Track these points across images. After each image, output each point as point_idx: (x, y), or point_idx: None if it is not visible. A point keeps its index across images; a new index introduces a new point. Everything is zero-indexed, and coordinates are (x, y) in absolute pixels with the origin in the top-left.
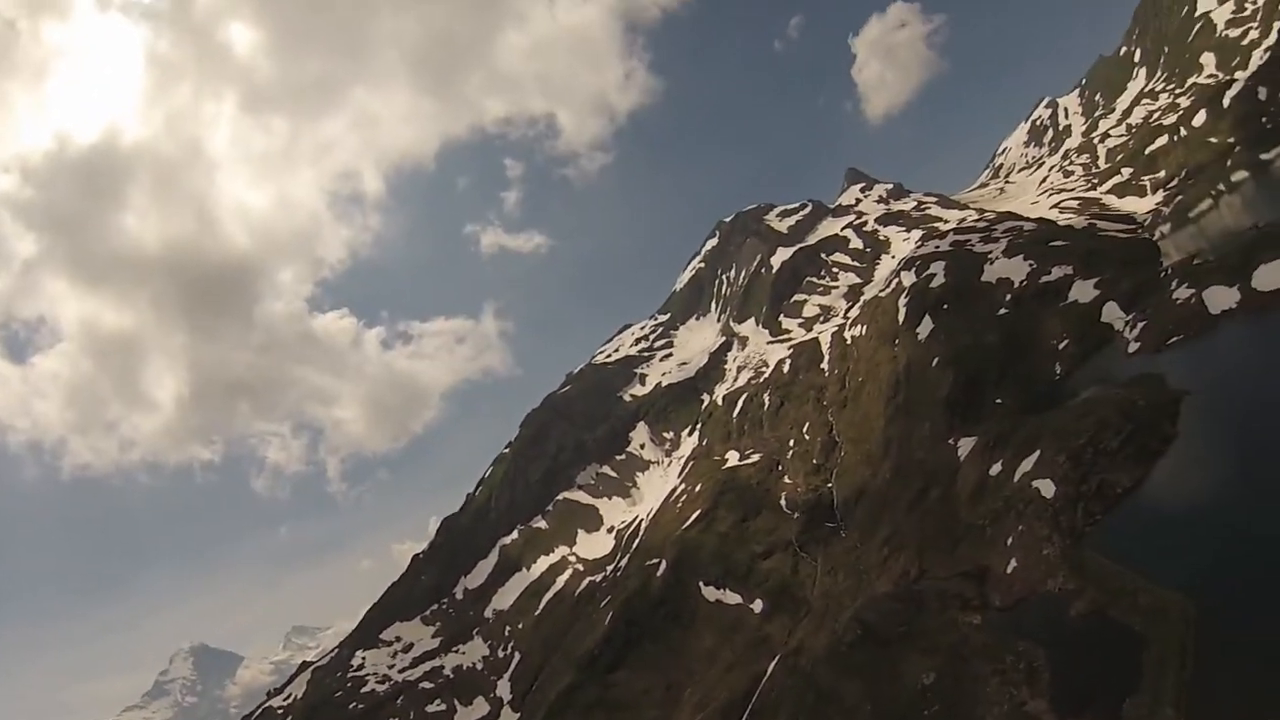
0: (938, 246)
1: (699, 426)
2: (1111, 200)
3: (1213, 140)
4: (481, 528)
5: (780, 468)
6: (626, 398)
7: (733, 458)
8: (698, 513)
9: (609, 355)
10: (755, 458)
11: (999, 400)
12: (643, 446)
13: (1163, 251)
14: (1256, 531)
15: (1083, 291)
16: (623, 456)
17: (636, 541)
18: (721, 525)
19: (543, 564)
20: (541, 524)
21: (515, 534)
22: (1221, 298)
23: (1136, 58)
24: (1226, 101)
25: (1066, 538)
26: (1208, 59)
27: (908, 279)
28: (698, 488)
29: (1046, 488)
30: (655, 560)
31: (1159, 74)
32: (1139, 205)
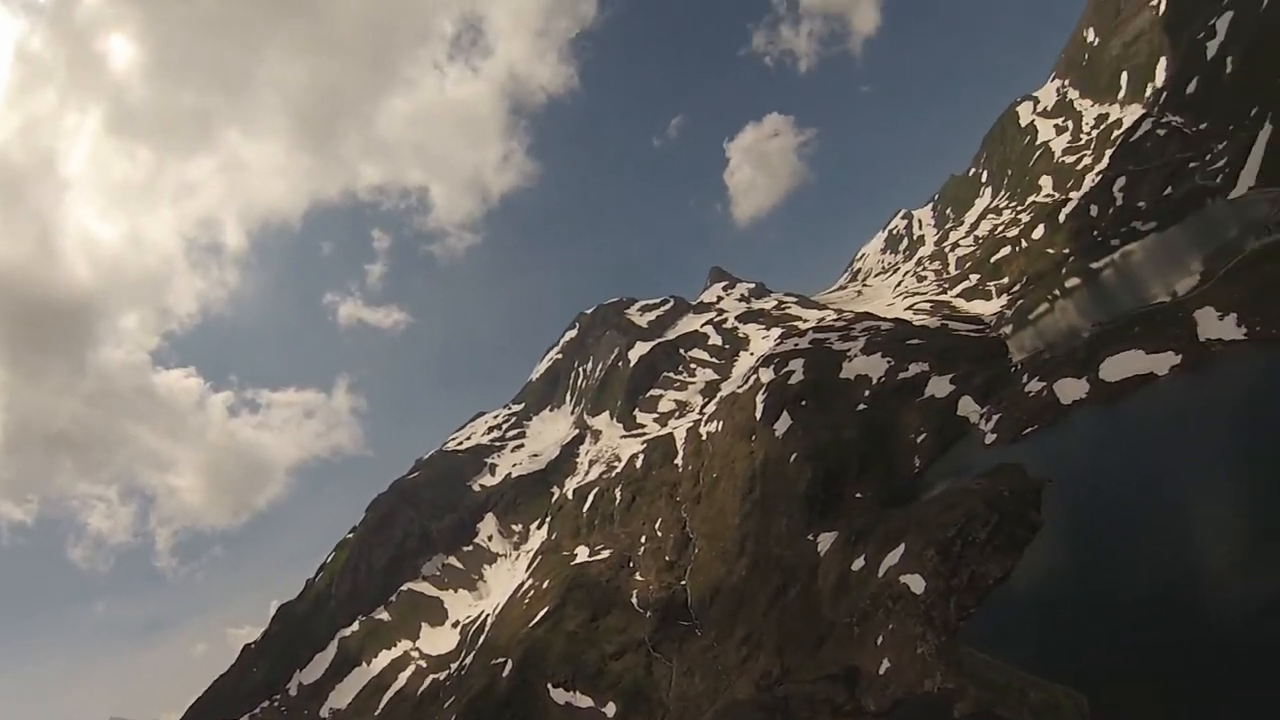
0: (797, 344)
1: (549, 520)
2: (961, 303)
3: (1050, 251)
4: (320, 617)
5: (632, 564)
6: (476, 487)
7: (582, 553)
8: (546, 610)
9: (460, 442)
10: (606, 554)
11: (859, 494)
12: (491, 538)
13: (1009, 349)
14: (1131, 612)
15: (939, 386)
16: (470, 548)
17: (482, 638)
18: (570, 623)
19: (384, 659)
20: (384, 615)
21: (356, 625)
22: (1072, 389)
23: (984, 178)
24: (1062, 218)
25: (941, 634)
26: (1046, 181)
27: (766, 375)
28: (546, 583)
29: (916, 583)
30: (501, 659)
31: (1003, 192)
32: (986, 308)
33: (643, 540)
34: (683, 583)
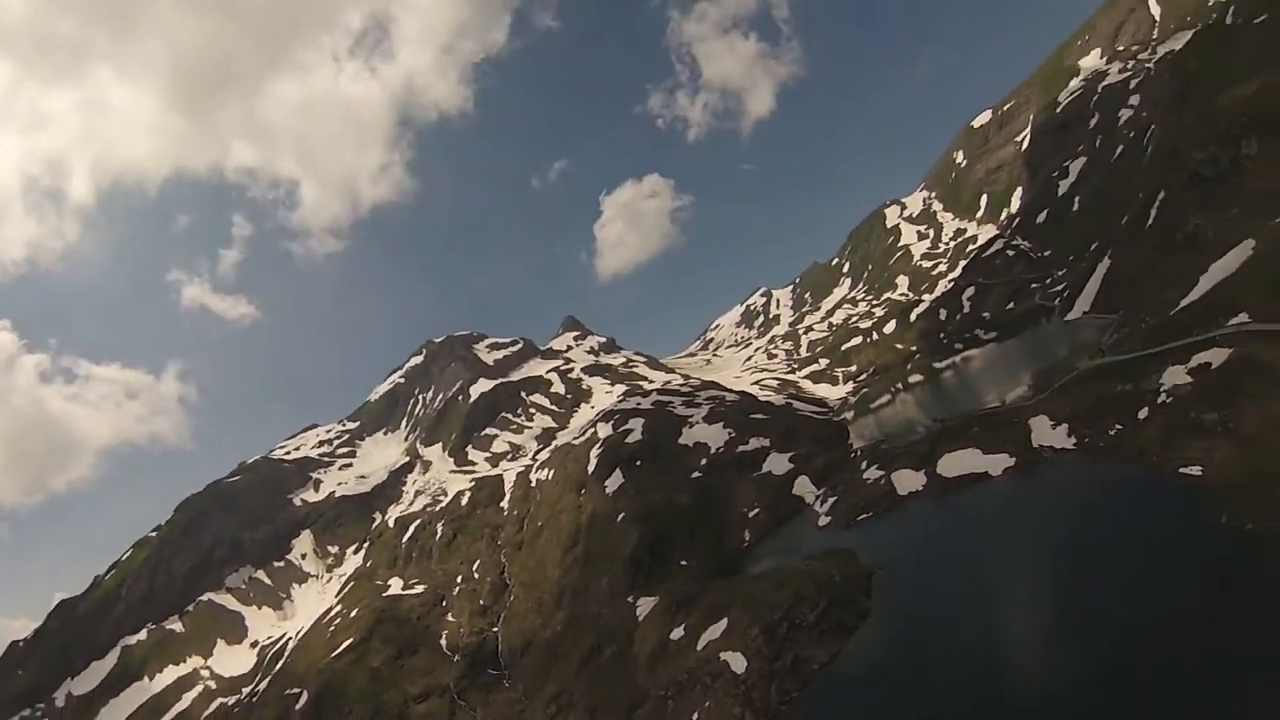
0: (639, 404)
1: (366, 546)
2: (808, 385)
3: (898, 346)
4: (104, 619)
5: (445, 603)
6: (297, 501)
7: (396, 585)
8: (351, 640)
9: (289, 452)
10: (420, 589)
11: (685, 562)
12: (305, 556)
13: (850, 435)
14: (949, 705)
15: (778, 463)
16: (281, 564)
17: (281, 663)
18: (375, 659)
19: (170, 675)
20: (177, 626)
21: (144, 634)
22: (909, 480)
23: (846, 269)
24: (913, 317)
25: (760, 717)
26: (903, 280)
27: (604, 430)
28: (354, 612)
29: (737, 661)
30: (297, 690)
31: (862, 285)
32: (831, 392)
33: (459, 580)
34: (495, 629)
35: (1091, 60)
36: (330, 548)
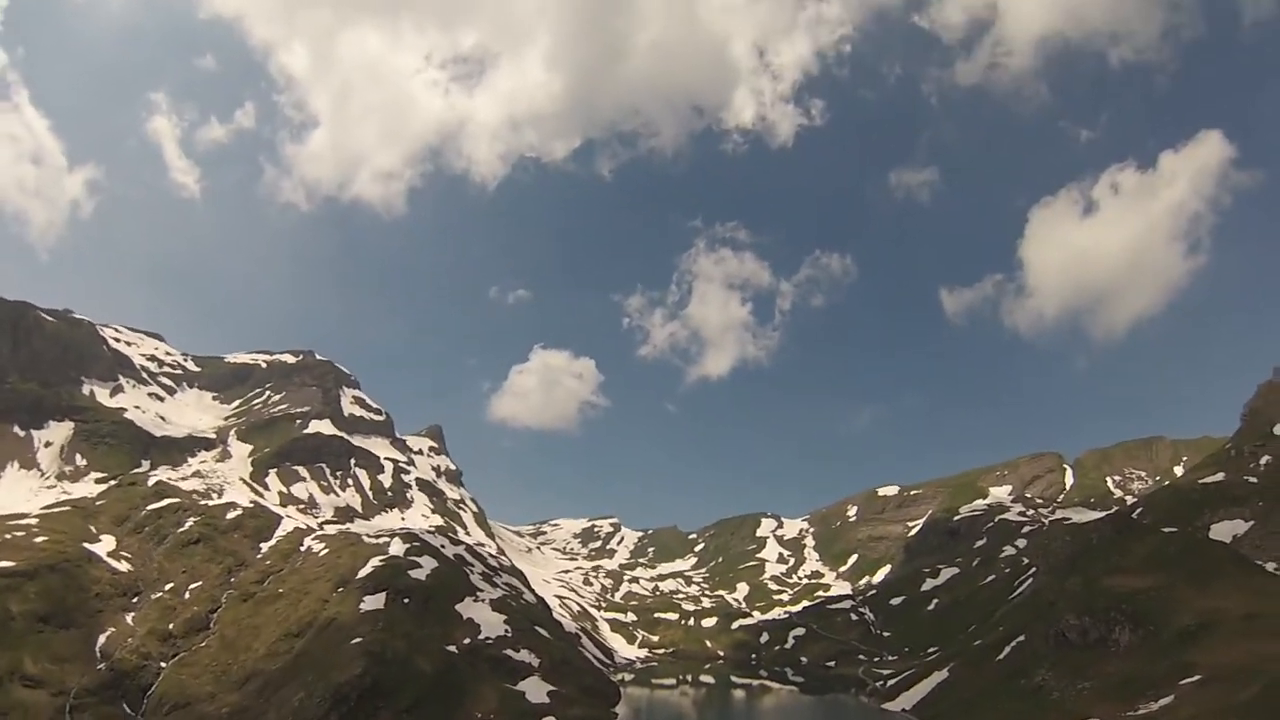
0: (443, 545)
1: (112, 484)
2: (605, 629)
3: (707, 643)
4: None
5: (136, 600)
6: (85, 388)
7: (105, 544)
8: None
9: (116, 338)
10: (124, 566)
11: None
12: (47, 444)
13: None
14: None
15: (535, 690)
16: (21, 433)
17: None
18: (17, 604)
19: None
20: None
21: None
22: None
23: (698, 548)
24: (735, 625)
25: None
26: (743, 588)
27: (397, 548)
28: (41, 539)
29: None
30: None
31: (705, 569)
32: (624, 648)
33: (168, 587)
34: (164, 665)
35: (1000, 492)
36: (79, 458)
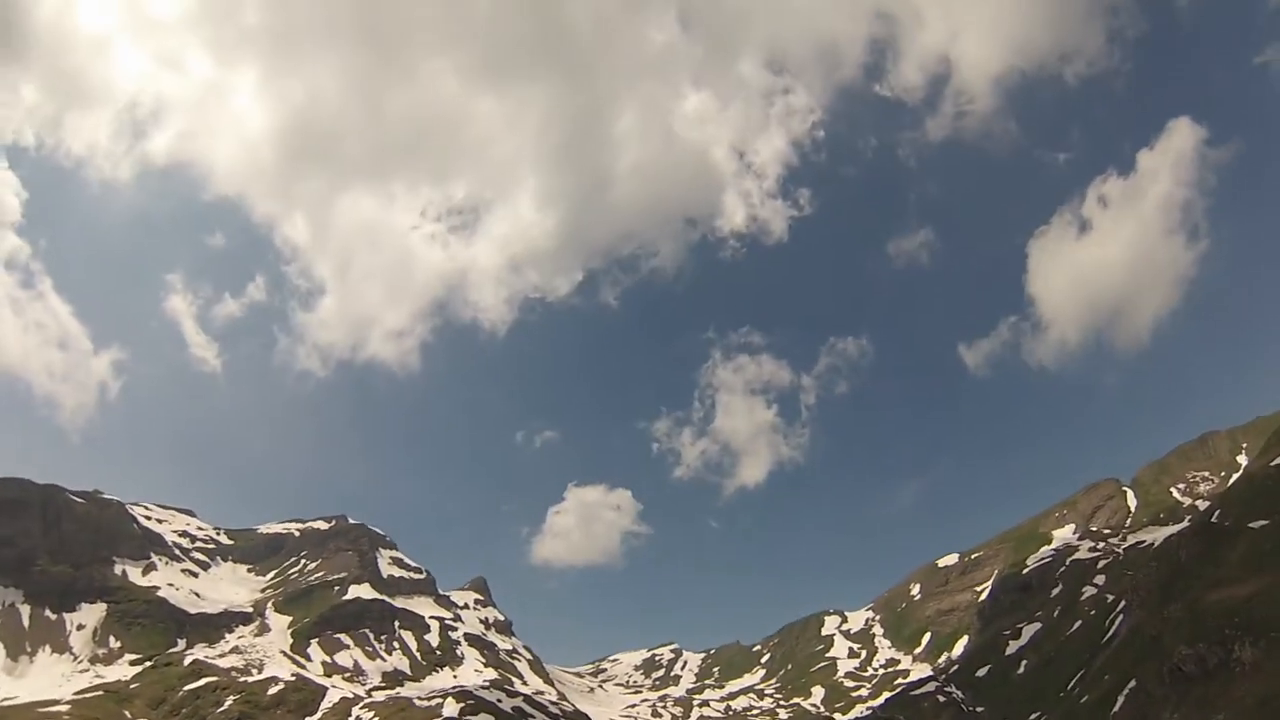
0: (499, 701)
1: (147, 665)
2: None
3: None
4: None
5: None
6: (118, 569)
7: None
8: None
9: (148, 517)
10: None
11: None
12: (79, 626)
13: None
14: None
15: None
16: (53, 616)
17: None
18: None
19: None
20: None
21: None
22: None
23: (764, 659)
24: None
25: None
26: (818, 690)
27: (450, 709)
28: None
29: None
30: None
31: (775, 680)
32: None
33: None
34: None
35: (1064, 533)
36: (113, 640)
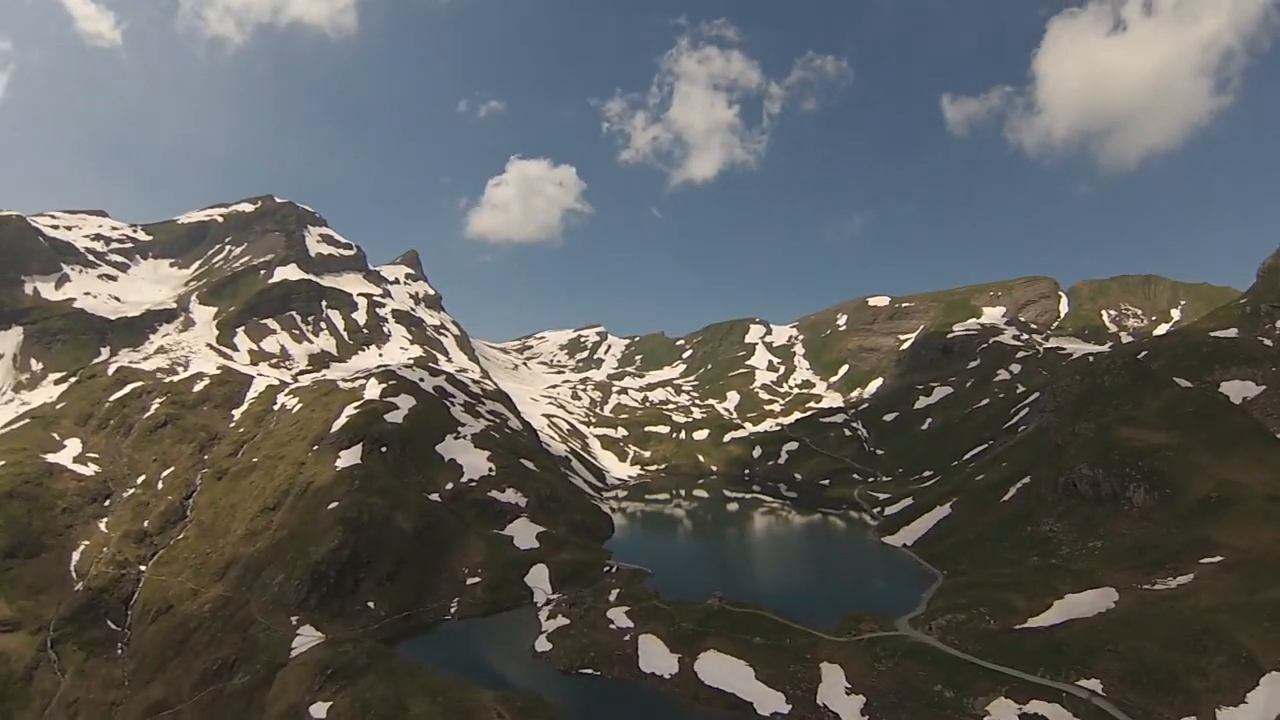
0: (421, 379)
1: (72, 382)
2: (595, 446)
3: (700, 457)
4: None
5: (108, 503)
6: (29, 288)
7: (69, 449)
8: None
9: (55, 223)
10: (91, 469)
11: (371, 603)
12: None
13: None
14: None
15: (524, 534)
16: None
17: None
18: None
19: None
20: None
21: None
22: (659, 658)
23: (686, 354)
24: (728, 438)
25: None
26: (733, 396)
27: (372, 390)
28: None
29: None
30: None
31: (694, 378)
32: (615, 466)
33: (139, 481)
34: (143, 569)
35: (994, 313)
36: (34, 362)
